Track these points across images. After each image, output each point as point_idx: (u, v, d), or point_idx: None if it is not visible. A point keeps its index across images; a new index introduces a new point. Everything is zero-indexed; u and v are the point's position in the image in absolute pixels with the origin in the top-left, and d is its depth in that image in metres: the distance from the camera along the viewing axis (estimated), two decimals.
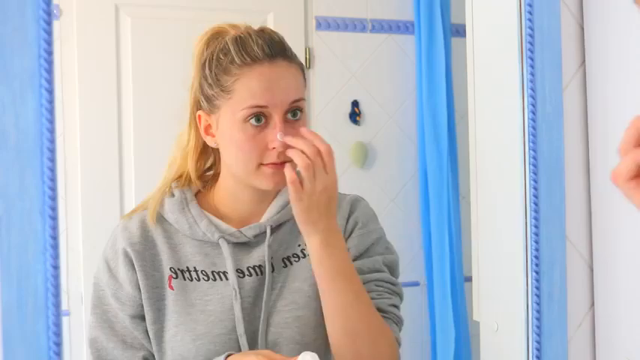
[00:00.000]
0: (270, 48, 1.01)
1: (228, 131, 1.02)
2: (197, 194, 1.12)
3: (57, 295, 0.82)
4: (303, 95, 1.05)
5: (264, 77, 1.00)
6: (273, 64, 1.01)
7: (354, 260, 1.07)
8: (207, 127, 1.06)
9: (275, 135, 0.99)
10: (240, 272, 1.05)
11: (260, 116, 1.00)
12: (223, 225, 1.08)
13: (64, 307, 0.83)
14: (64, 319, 0.89)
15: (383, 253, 1.11)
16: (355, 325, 1.00)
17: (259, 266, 1.06)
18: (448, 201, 2.21)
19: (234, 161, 1.04)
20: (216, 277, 1.05)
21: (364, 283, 1.05)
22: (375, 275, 1.08)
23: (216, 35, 1.06)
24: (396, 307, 1.09)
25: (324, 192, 0.97)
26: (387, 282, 1.09)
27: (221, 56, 1.02)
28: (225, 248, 1.05)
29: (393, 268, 1.12)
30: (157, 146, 2.06)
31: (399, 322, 1.08)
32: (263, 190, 1.05)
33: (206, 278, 1.05)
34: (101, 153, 2.05)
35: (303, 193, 0.97)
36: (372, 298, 1.05)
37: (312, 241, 0.99)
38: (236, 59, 1.00)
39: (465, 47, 1.48)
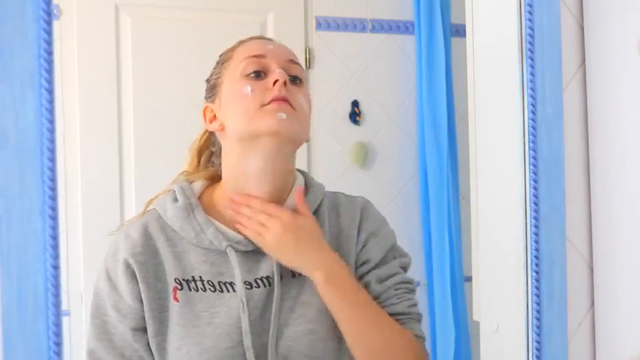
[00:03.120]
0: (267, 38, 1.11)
1: (230, 91, 1.05)
2: (200, 198, 1.09)
3: (57, 295, 0.82)
4: (302, 66, 1.10)
5: (260, 41, 1.09)
6: (268, 40, 1.10)
7: (374, 269, 1.08)
8: (212, 118, 1.08)
9: (274, 77, 1.02)
10: (247, 284, 1.02)
11: (259, 71, 1.04)
12: (230, 232, 1.04)
13: (64, 307, 0.83)
14: (64, 319, 0.89)
15: (398, 257, 1.12)
16: (378, 346, 1.01)
17: (267, 277, 1.03)
18: (448, 201, 2.21)
19: (235, 113, 1.03)
20: (223, 288, 1.01)
21: (385, 291, 1.06)
22: (393, 280, 1.08)
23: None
24: (415, 305, 1.10)
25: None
26: (404, 282, 1.10)
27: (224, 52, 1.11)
28: (233, 257, 1.02)
29: (406, 269, 1.13)
30: (157, 146, 2.08)
31: (419, 319, 1.10)
32: (264, 175, 1.04)
33: (212, 289, 1.01)
34: (101, 153, 2.06)
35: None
36: (393, 303, 1.06)
37: (317, 277, 1.00)
38: (234, 44, 1.09)
39: (465, 47, 1.48)
